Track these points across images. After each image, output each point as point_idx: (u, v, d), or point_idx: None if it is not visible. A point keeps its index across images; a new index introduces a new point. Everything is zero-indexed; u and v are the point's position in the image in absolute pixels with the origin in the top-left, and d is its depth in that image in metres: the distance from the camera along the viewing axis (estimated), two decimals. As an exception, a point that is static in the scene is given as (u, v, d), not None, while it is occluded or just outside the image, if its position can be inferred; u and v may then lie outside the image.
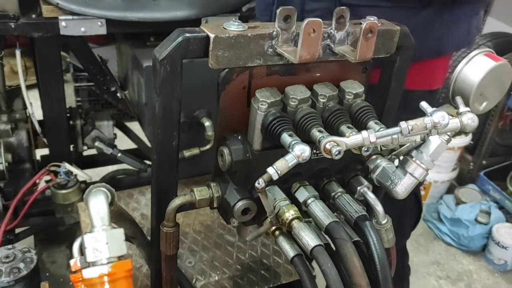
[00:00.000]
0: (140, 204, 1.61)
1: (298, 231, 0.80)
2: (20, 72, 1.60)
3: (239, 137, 0.86)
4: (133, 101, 1.71)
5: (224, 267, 1.37)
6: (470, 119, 0.80)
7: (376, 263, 0.81)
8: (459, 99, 0.84)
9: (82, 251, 0.86)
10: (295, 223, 0.81)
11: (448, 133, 0.81)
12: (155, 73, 0.78)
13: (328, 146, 0.74)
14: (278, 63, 0.81)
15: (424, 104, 0.80)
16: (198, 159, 1.55)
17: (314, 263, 0.82)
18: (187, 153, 1.53)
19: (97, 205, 0.89)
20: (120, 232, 0.88)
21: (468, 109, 0.82)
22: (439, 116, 0.76)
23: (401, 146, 0.87)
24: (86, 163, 2.01)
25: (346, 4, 0.93)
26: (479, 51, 0.87)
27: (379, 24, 0.79)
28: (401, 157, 0.87)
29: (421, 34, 1.12)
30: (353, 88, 0.86)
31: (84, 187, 1.70)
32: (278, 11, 0.76)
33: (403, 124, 0.77)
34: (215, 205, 0.91)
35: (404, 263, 1.81)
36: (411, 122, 0.76)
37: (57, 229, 1.72)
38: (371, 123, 0.84)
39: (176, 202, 0.89)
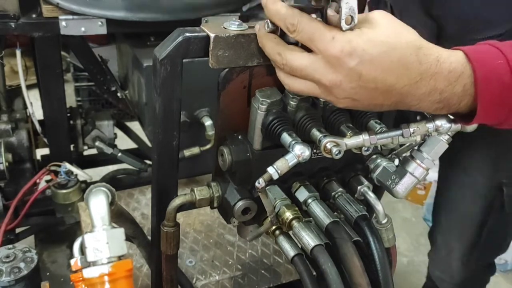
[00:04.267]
0: (141, 204, 1.61)
1: (298, 231, 0.80)
2: (20, 72, 1.60)
3: (239, 137, 0.86)
4: (134, 101, 1.71)
5: (224, 266, 1.37)
6: (470, 119, 0.80)
7: (377, 263, 0.81)
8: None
9: (82, 251, 0.86)
10: (295, 223, 0.81)
11: (449, 133, 0.81)
12: (155, 73, 0.78)
13: (328, 146, 0.74)
14: (278, 63, 0.81)
15: None
16: (198, 159, 1.55)
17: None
18: (187, 153, 1.54)
19: (98, 204, 0.89)
20: (120, 232, 0.88)
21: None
22: (441, 119, 0.76)
23: (401, 145, 0.87)
24: (86, 162, 2.01)
25: None
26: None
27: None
28: (402, 157, 0.87)
29: None
30: (353, 87, 0.86)
31: (84, 186, 1.70)
32: None
33: (404, 127, 0.77)
34: (215, 204, 0.91)
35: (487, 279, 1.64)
36: (413, 125, 0.76)
37: (57, 228, 1.72)
38: (372, 123, 0.84)
39: (177, 201, 0.89)
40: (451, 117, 0.76)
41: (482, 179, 1.25)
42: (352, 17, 0.64)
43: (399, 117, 0.79)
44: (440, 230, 1.45)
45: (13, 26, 1.39)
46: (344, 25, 0.64)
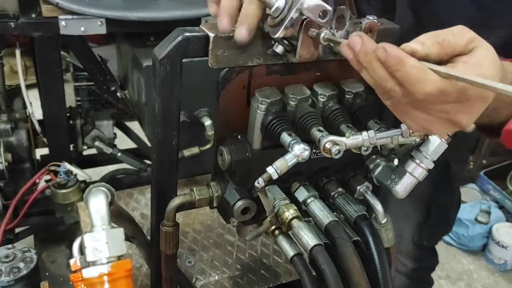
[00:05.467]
0: (140, 204, 1.61)
1: (297, 231, 0.80)
2: (20, 72, 1.60)
3: (239, 137, 0.86)
4: (133, 101, 1.71)
5: (224, 266, 1.37)
6: (470, 119, 0.80)
7: (376, 263, 0.81)
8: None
9: (82, 251, 0.86)
10: (295, 223, 0.81)
11: (448, 133, 0.81)
12: (155, 73, 0.78)
13: (328, 146, 0.74)
14: (277, 63, 0.81)
15: None
16: (198, 159, 1.55)
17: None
18: (187, 153, 1.53)
19: (97, 204, 0.89)
20: (120, 232, 0.88)
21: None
22: None
23: (400, 145, 0.87)
24: (86, 162, 2.01)
25: None
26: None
27: (378, 24, 0.79)
28: (401, 157, 0.87)
29: None
30: (353, 87, 0.86)
31: (84, 186, 1.70)
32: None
33: (404, 127, 0.77)
34: (214, 204, 0.91)
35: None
36: None
37: (57, 228, 1.72)
38: (371, 122, 0.84)
39: (176, 201, 0.89)
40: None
41: None
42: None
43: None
44: (387, 210, 1.49)
45: (12, 26, 1.39)
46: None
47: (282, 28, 0.67)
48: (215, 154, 0.89)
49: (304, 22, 0.73)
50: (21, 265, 1.16)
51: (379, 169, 0.88)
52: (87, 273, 0.83)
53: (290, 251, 0.83)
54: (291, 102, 0.82)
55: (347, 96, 0.86)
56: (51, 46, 1.51)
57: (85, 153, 1.99)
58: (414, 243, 1.50)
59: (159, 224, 0.92)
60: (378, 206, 0.87)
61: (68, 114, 1.78)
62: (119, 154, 1.90)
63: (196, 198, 0.90)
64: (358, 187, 0.90)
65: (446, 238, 2.69)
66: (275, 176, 0.73)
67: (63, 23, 1.41)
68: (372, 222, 0.86)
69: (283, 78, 0.84)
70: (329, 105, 0.84)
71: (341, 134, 0.80)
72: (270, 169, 0.73)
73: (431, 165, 0.82)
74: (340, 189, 0.90)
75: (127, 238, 1.08)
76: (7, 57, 1.76)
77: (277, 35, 0.69)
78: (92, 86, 2.79)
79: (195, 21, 1.47)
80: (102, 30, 1.44)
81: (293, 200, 0.87)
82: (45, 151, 1.85)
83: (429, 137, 0.80)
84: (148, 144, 1.97)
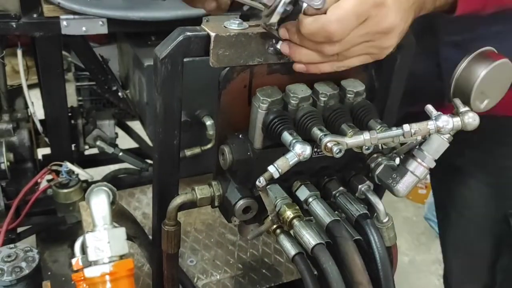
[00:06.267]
0: (142, 203, 1.61)
1: (299, 230, 0.80)
2: (21, 72, 1.60)
3: (240, 136, 0.86)
4: (135, 100, 1.71)
5: (225, 266, 1.37)
6: (471, 118, 0.80)
7: (377, 262, 0.81)
8: (457, 101, 0.84)
9: (84, 250, 0.86)
10: (296, 222, 0.81)
11: (450, 132, 0.81)
12: (156, 72, 0.78)
13: (329, 145, 0.74)
14: (279, 62, 0.81)
15: (429, 107, 0.80)
16: (199, 158, 1.55)
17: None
18: (188, 152, 1.53)
19: (99, 204, 0.89)
20: (121, 231, 0.88)
21: (467, 108, 0.82)
22: (443, 120, 0.76)
23: (402, 144, 0.87)
24: (87, 162, 2.01)
25: None
26: (480, 49, 0.87)
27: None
28: (402, 155, 0.87)
29: None
30: (354, 86, 0.86)
31: (85, 186, 1.70)
32: None
33: (406, 127, 0.76)
34: (216, 203, 0.91)
35: None
36: (415, 126, 0.76)
37: (59, 228, 1.72)
38: (372, 122, 0.84)
39: (178, 200, 0.89)
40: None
41: (484, 210, 1.18)
42: None
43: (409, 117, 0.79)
44: (452, 271, 1.38)
45: (14, 26, 1.39)
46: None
47: (275, 13, 0.68)
48: (217, 154, 0.89)
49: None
50: (23, 264, 1.16)
51: (380, 168, 0.88)
52: (89, 272, 0.83)
53: (291, 250, 0.83)
54: (292, 101, 0.82)
55: (348, 95, 0.86)
56: (52, 46, 1.51)
57: (86, 152, 1.99)
58: None
59: (161, 223, 0.92)
60: (380, 205, 0.86)
61: (69, 114, 1.78)
62: (120, 153, 1.90)
63: (198, 197, 0.90)
64: (360, 186, 0.90)
65: (447, 237, 2.69)
66: (276, 175, 0.74)
67: (64, 23, 1.41)
68: (374, 221, 0.86)
69: (284, 77, 0.85)
70: (330, 104, 0.84)
71: (342, 133, 0.80)
72: (271, 168, 0.73)
73: (432, 164, 0.82)
74: (341, 188, 0.90)
75: (129, 238, 1.08)
76: (9, 57, 1.76)
77: (271, 21, 0.69)
78: (93, 85, 2.80)
79: (196, 21, 1.49)
80: (104, 30, 1.44)
81: (295, 199, 0.87)
82: (46, 150, 1.86)
83: (431, 135, 0.80)
84: (150, 143, 1.97)
